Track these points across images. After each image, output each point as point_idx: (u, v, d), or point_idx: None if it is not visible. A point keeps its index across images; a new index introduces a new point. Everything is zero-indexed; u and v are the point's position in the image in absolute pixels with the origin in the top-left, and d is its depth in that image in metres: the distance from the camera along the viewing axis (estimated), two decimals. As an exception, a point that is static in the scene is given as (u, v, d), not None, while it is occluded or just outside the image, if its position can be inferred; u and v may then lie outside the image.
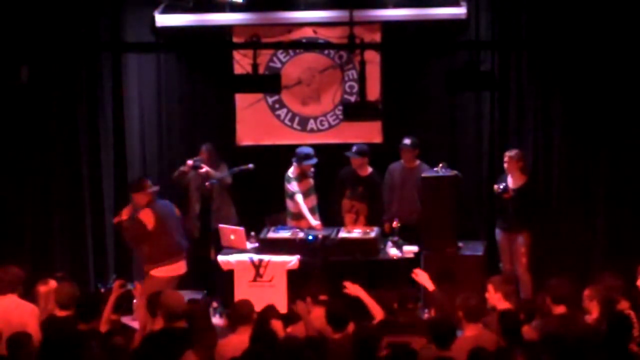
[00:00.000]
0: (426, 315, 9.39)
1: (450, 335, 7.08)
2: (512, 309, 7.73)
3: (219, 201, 11.32)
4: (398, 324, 7.83)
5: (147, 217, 9.80)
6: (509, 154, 10.71)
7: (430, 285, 8.21)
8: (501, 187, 10.65)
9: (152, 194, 9.91)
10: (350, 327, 7.57)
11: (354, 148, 11.13)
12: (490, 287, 8.15)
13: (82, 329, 7.63)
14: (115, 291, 8.23)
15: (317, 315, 8.08)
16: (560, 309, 7.67)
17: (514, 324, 7.28)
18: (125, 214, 9.99)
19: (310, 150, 11.11)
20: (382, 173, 11.34)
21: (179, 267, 9.97)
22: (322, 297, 8.25)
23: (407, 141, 11.11)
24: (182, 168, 11.24)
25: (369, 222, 11.04)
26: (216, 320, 10.26)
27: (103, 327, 7.84)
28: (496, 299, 8.06)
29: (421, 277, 8.35)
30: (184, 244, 10.14)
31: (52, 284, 8.50)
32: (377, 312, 8.10)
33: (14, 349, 6.98)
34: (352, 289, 8.45)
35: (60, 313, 7.93)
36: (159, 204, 9.97)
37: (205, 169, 11.16)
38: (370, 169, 11.19)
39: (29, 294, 8.44)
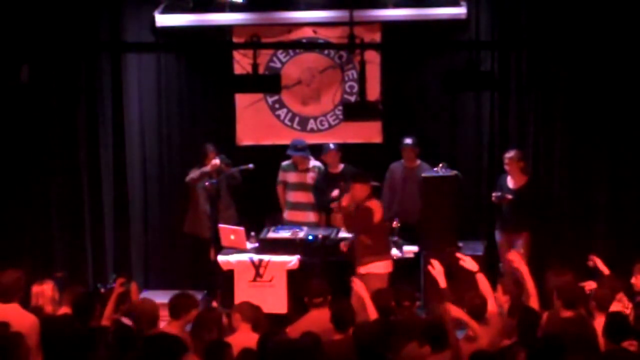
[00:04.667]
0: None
1: (443, 336, 7.06)
2: (535, 309, 7.71)
3: (226, 200, 11.32)
4: (395, 322, 7.82)
5: (377, 208, 9.80)
6: (508, 156, 10.70)
7: (442, 282, 8.20)
8: (498, 195, 10.66)
9: (372, 188, 9.95)
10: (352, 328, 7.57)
11: (330, 145, 11.16)
12: (499, 288, 8.16)
13: (80, 327, 7.63)
14: (116, 289, 8.24)
15: (315, 315, 8.08)
16: (568, 313, 7.64)
17: (533, 324, 7.26)
18: (345, 201, 9.94)
19: (298, 142, 11.20)
20: (382, 173, 11.34)
21: (391, 264, 9.89)
22: (317, 300, 8.21)
23: (408, 141, 11.12)
24: (205, 169, 11.12)
25: None
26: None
27: (105, 323, 7.84)
28: (504, 300, 8.08)
29: (437, 270, 8.30)
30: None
31: (48, 284, 8.46)
32: (372, 313, 8.09)
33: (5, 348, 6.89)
34: (357, 285, 8.49)
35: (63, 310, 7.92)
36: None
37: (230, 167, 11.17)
38: (342, 165, 11.21)
39: (27, 294, 8.42)
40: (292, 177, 11.30)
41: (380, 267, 9.68)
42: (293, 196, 11.26)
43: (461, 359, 6.91)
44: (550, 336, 6.93)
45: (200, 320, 7.60)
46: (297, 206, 11.25)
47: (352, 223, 9.94)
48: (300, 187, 11.22)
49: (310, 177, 11.25)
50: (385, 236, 9.95)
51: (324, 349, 6.91)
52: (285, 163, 11.34)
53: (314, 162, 11.29)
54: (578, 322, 7.54)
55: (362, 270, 9.71)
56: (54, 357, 7.31)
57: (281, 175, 11.37)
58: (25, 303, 8.25)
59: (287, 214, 11.34)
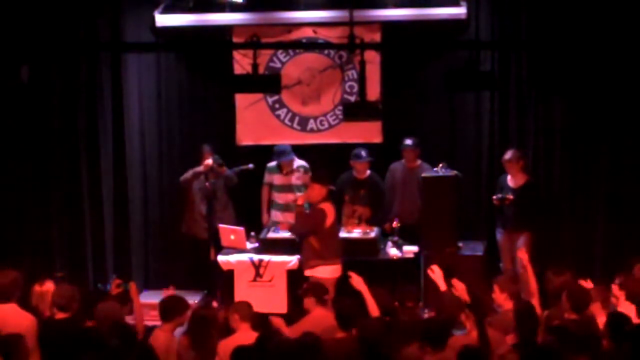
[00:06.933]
0: (426, 315, 9.39)
1: (443, 336, 7.06)
2: (532, 307, 7.73)
3: (224, 201, 11.32)
4: (398, 322, 7.83)
5: (330, 212, 9.78)
6: (506, 158, 10.68)
7: (442, 285, 8.22)
8: (499, 197, 10.66)
9: (329, 192, 9.92)
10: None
11: (363, 153, 11.10)
12: (496, 288, 8.17)
13: (85, 326, 7.63)
14: (113, 290, 8.24)
15: (320, 314, 8.08)
16: (573, 315, 7.65)
17: (532, 322, 7.28)
18: (300, 200, 9.96)
19: (283, 148, 11.17)
20: (382, 173, 11.34)
21: (339, 269, 9.80)
22: (325, 297, 8.25)
23: (408, 141, 11.11)
24: (198, 169, 11.14)
25: (373, 225, 11.03)
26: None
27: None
28: (502, 299, 8.09)
29: (436, 274, 8.36)
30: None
31: (49, 285, 8.45)
32: (374, 310, 8.10)
33: (6, 350, 6.89)
34: (356, 280, 8.47)
35: (59, 315, 7.90)
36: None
37: (224, 168, 11.17)
38: (368, 171, 11.20)
39: (26, 294, 8.41)
40: (277, 179, 11.28)
41: (326, 272, 9.67)
42: (282, 198, 11.25)
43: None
44: (546, 342, 6.94)
45: (196, 319, 7.61)
46: (287, 207, 11.21)
47: (303, 223, 9.92)
48: (287, 188, 11.21)
49: (295, 178, 11.24)
50: (334, 241, 9.88)
51: (324, 348, 6.91)
52: (270, 165, 11.31)
53: (298, 162, 11.26)
54: (582, 322, 7.54)
55: (308, 272, 9.78)
56: (53, 358, 7.31)
57: (267, 177, 11.35)
58: (25, 303, 8.26)
59: (276, 215, 11.30)
